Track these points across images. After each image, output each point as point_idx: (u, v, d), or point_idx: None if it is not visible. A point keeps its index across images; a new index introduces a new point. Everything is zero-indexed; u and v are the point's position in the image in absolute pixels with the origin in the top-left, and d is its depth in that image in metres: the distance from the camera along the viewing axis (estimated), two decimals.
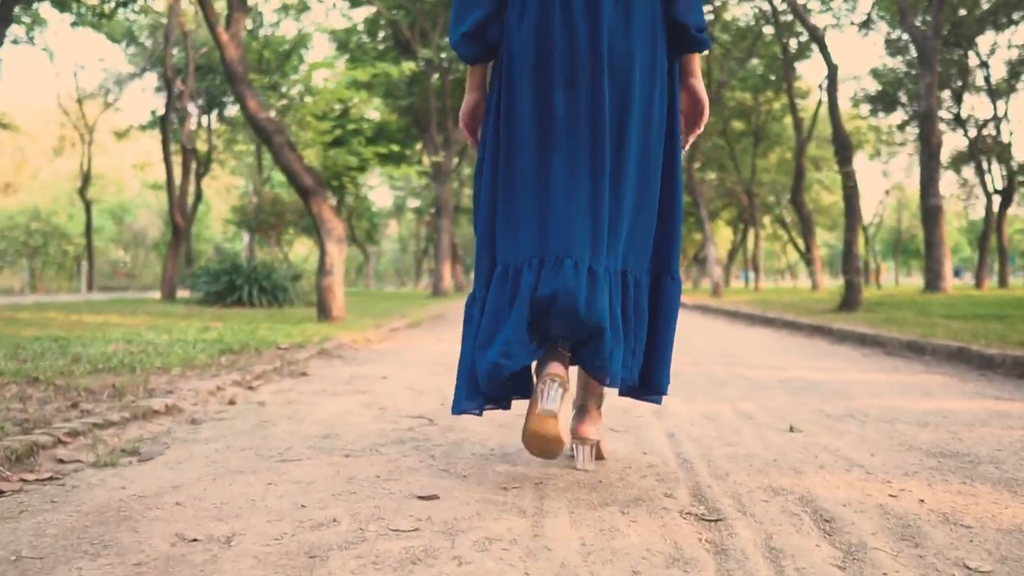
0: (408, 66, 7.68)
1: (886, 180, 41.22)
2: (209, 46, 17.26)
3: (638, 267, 1.99)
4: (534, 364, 1.91)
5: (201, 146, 23.99)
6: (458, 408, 1.92)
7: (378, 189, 74.64)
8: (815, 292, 17.13)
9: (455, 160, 28.67)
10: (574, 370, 1.99)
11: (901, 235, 40.05)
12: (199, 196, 23.30)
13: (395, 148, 8.48)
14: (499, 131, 1.96)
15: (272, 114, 7.99)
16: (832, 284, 31.53)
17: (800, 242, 36.93)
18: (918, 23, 14.85)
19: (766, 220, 34.86)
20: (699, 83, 2.04)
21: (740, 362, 4.56)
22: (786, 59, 18.12)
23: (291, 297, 12.99)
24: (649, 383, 2.07)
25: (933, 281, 13.01)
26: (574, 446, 2.04)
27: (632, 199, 1.93)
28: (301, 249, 55.18)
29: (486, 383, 1.84)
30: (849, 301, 8.21)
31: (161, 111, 20.96)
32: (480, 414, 1.94)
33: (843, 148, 8.20)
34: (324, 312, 8.26)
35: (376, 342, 6.02)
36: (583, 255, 1.83)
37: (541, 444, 1.80)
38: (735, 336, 6.86)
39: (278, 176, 21.69)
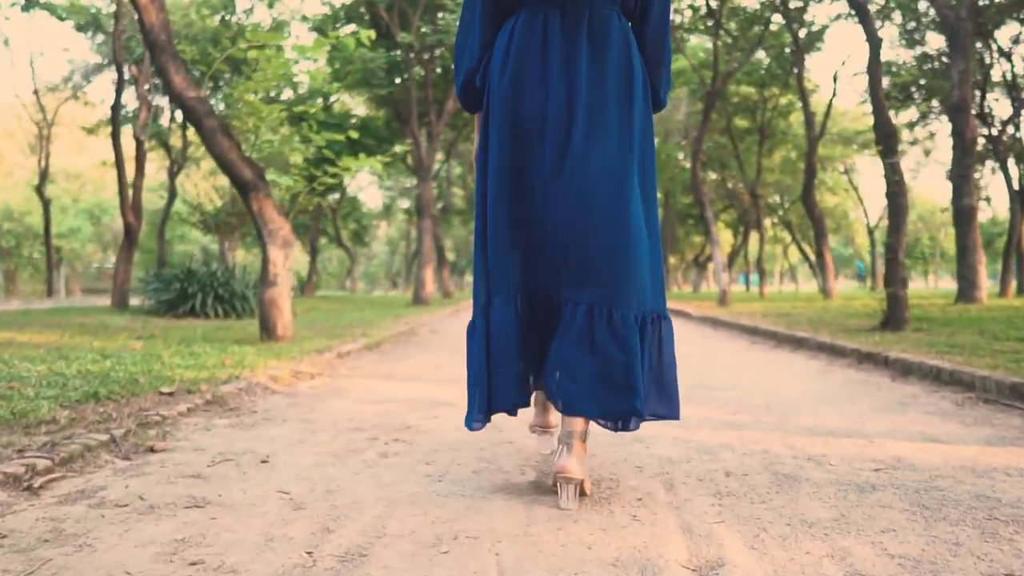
0: (367, 33, 6.33)
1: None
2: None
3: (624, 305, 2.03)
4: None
5: (176, 142, 22.61)
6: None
7: (367, 189, 73.53)
8: (829, 300, 15.80)
9: (439, 157, 27.31)
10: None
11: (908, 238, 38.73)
12: (173, 195, 21.91)
13: (354, 135, 7.10)
14: (486, 175, 2.12)
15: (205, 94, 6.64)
16: (841, 289, 30.03)
17: (806, 245, 35.71)
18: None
19: (767, 222, 33.54)
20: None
21: (796, 420, 3.21)
22: (797, 49, 16.81)
23: (252, 306, 11.63)
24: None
25: (967, 290, 11.67)
26: (558, 484, 1.99)
27: (607, 242, 2.03)
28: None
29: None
30: (895, 318, 6.88)
31: (130, 104, 19.63)
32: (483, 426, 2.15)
33: (887, 137, 6.86)
34: (267, 330, 6.92)
35: (305, 378, 4.66)
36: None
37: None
38: (766, 366, 5.51)
39: None
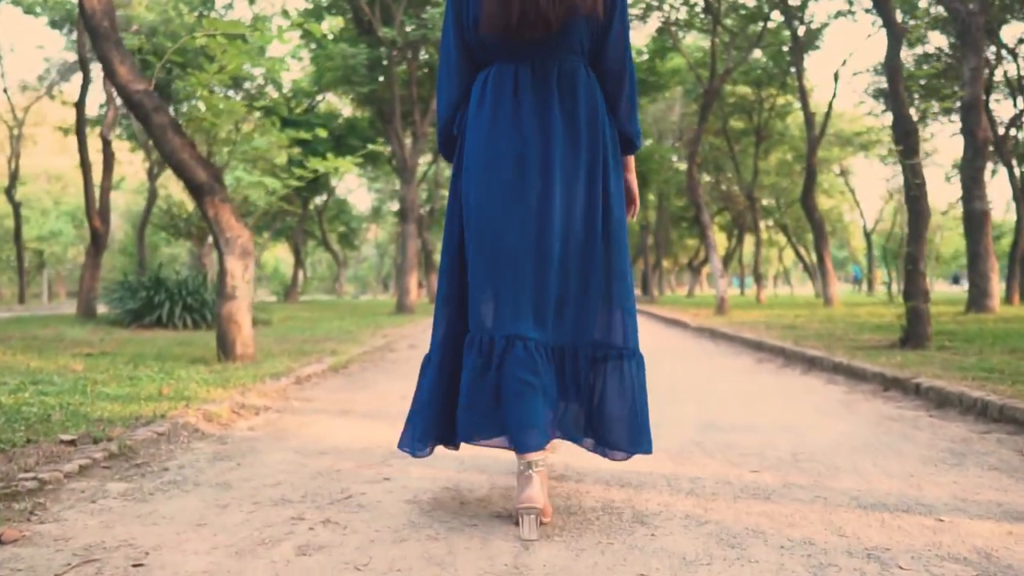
0: (336, 21, 5.70)
1: (884, 183, 39.40)
2: (140, 22, 15.21)
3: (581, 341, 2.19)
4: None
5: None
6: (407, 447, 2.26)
7: (357, 192, 72.87)
8: (831, 308, 15.19)
9: (427, 158, 26.61)
10: None
11: (902, 241, 38.22)
12: (153, 197, 21.19)
13: (322, 133, 6.46)
14: (458, 215, 2.25)
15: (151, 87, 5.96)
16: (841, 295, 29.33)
17: (803, 249, 35.16)
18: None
19: (761, 225, 32.92)
20: (632, 177, 2.40)
21: (835, 483, 2.56)
22: (796, 46, 16.22)
23: None
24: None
25: (979, 299, 11.07)
26: (520, 515, 2.03)
27: (576, 282, 2.19)
28: (279, 253, 53.16)
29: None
30: (916, 334, 6.26)
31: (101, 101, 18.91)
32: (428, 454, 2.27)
33: (907, 136, 6.22)
34: (225, 349, 6.27)
35: (248, 414, 4.00)
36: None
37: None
38: (781, 394, 4.88)
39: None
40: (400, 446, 2.29)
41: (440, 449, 2.35)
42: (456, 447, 2.32)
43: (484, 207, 2.14)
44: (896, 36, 6.24)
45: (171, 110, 15.37)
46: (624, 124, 2.30)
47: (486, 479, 2.65)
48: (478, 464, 2.86)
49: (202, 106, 6.36)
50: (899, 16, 19.33)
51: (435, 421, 2.22)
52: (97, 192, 12.65)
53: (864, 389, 4.95)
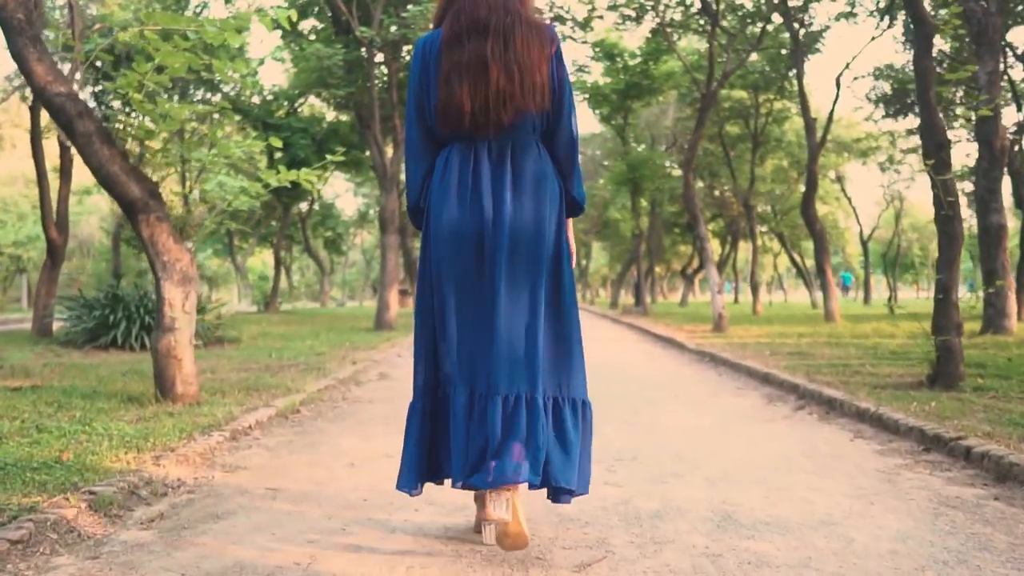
0: (284, 13, 4.94)
1: (880, 189, 38.73)
2: (113, 22, 14.37)
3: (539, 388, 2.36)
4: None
5: (134, 147, 21.01)
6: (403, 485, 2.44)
7: (345, 196, 72.08)
8: (833, 323, 14.47)
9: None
10: None
11: (900, 249, 37.64)
12: None
13: (276, 142, 5.69)
14: (428, 278, 2.48)
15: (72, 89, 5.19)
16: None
17: (798, 257, 34.50)
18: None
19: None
20: (572, 236, 2.58)
21: None
22: (797, 49, 15.51)
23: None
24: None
25: (995, 319, 10.33)
26: (483, 526, 2.52)
27: (543, 333, 2.40)
28: (267, 258, 52.06)
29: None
30: (947, 372, 5.52)
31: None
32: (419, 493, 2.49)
33: (939, 148, 5.47)
34: (162, 388, 5.50)
35: (154, 495, 3.21)
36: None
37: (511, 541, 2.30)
38: (803, 455, 4.12)
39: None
40: (398, 487, 2.46)
41: None
42: (441, 483, 2.56)
43: (447, 280, 2.40)
44: (926, 33, 5.48)
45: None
46: (573, 190, 2.54)
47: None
48: None
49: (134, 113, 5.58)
50: (902, 16, 18.66)
51: (423, 461, 2.46)
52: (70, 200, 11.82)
53: (900, 448, 4.19)
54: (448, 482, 2.52)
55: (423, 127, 2.46)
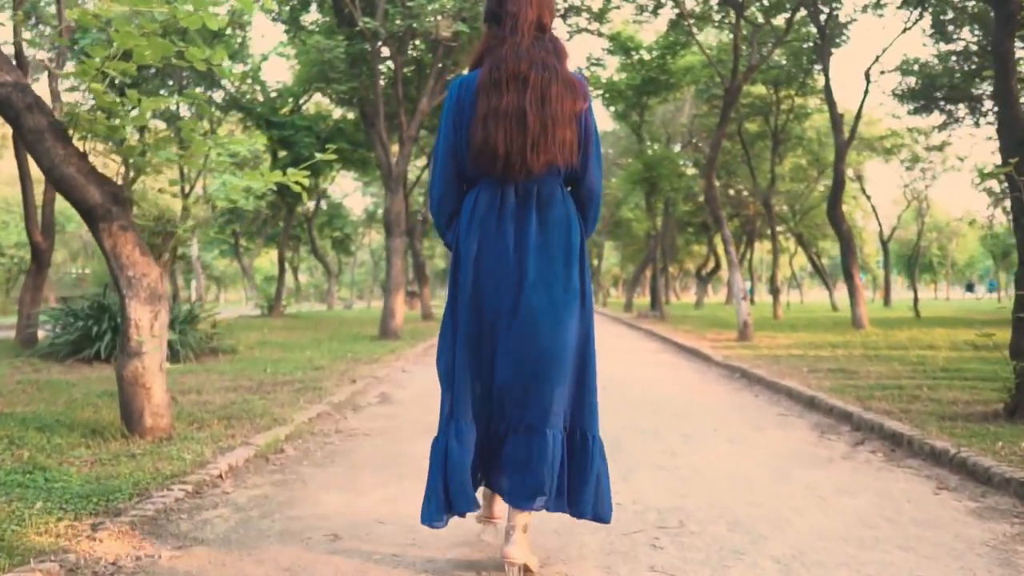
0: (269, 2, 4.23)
1: (896, 188, 37.74)
2: (107, 16, 13.74)
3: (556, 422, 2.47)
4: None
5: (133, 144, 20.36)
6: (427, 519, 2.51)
7: (353, 195, 71.69)
8: (862, 330, 13.68)
9: (420, 162, 25.07)
10: None
11: (919, 249, 36.67)
12: (130, 204, 19.69)
13: (262, 140, 5.00)
14: (455, 301, 2.60)
15: (21, 77, 4.52)
16: (844, 301, 27.36)
17: (816, 257, 33.66)
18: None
19: (769, 232, 31.40)
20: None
21: None
22: (823, 42, 14.73)
23: (178, 348, 9.47)
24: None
25: None
26: (506, 567, 2.44)
27: (557, 370, 2.50)
28: (274, 258, 51.44)
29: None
30: None
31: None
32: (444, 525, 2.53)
33: (1020, 145, 4.73)
34: (129, 422, 4.84)
35: None
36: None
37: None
38: (883, 522, 3.40)
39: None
40: (423, 521, 2.52)
41: None
42: (463, 515, 2.57)
43: (474, 316, 2.55)
44: (1010, 11, 4.73)
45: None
46: (586, 232, 2.69)
47: None
48: None
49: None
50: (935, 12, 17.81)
51: (447, 495, 2.50)
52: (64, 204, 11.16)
53: (1000, 507, 3.46)
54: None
55: (453, 164, 2.58)
